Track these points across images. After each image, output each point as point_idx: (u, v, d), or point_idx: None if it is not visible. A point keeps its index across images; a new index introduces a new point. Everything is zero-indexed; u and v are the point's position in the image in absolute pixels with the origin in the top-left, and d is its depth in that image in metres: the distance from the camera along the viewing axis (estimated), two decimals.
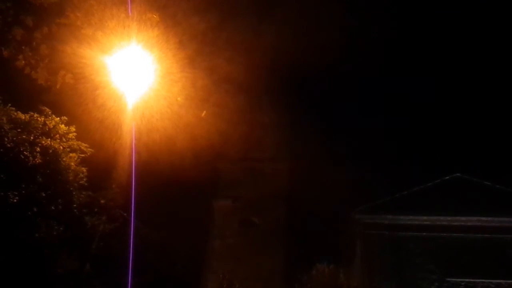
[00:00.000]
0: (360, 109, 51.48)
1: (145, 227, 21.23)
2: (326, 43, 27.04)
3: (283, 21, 28.09)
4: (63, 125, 15.91)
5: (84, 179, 16.31)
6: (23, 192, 14.12)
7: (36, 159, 14.66)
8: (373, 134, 37.50)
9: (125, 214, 17.96)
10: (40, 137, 15.20)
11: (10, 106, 14.98)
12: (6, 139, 14.29)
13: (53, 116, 15.77)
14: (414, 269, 20.86)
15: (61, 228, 14.93)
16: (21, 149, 14.49)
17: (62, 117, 15.98)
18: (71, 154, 15.97)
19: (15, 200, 13.79)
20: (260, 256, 27.05)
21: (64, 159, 15.58)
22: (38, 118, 15.41)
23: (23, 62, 7.68)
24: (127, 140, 15.04)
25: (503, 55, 47.99)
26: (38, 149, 14.86)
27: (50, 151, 15.24)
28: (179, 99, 12.13)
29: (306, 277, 20.46)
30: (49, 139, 15.35)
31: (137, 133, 14.59)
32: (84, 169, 16.33)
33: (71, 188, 15.74)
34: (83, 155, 16.47)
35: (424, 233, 21.45)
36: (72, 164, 15.87)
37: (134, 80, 10.65)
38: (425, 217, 21.67)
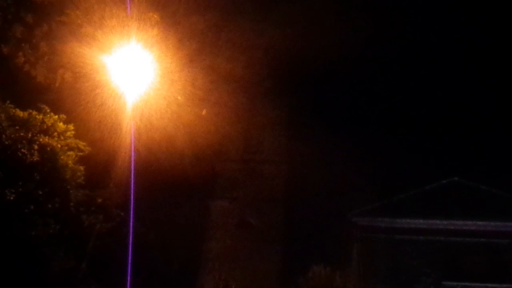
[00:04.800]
0: (359, 112, 51.53)
1: (142, 226, 21.19)
2: (326, 44, 27.05)
3: (283, 21, 28.07)
4: (61, 123, 15.89)
5: (82, 178, 16.29)
6: (20, 189, 14.11)
7: (33, 157, 14.64)
8: (371, 137, 37.52)
9: (122, 214, 17.92)
10: (38, 135, 15.18)
11: (8, 103, 14.96)
12: (4, 136, 14.27)
13: (52, 114, 15.76)
14: (410, 272, 20.90)
15: (57, 227, 14.91)
16: (19, 147, 14.47)
17: (61, 115, 15.96)
18: (68, 153, 15.95)
19: (12, 198, 13.77)
20: (257, 257, 27.03)
21: (62, 157, 15.56)
22: (37, 116, 15.38)
23: (23, 59, 7.68)
24: (126, 139, 15.02)
25: (502, 57, 48.09)
26: (36, 147, 14.83)
27: (48, 149, 15.22)
28: (179, 98, 12.14)
29: (303, 279, 20.48)
30: (47, 137, 15.33)
31: (136, 132, 14.59)
32: (81, 168, 16.31)
33: (68, 187, 15.71)
34: (81, 154, 16.45)
35: (421, 237, 21.49)
36: (70, 162, 15.85)
37: (134, 79, 10.65)
38: (421, 221, 21.72)
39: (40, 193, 14.66)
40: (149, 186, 20.13)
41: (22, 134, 14.72)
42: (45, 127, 15.50)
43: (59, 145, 15.57)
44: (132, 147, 15.36)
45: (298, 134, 30.96)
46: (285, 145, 30.97)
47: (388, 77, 52.09)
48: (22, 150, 14.48)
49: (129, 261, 15.74)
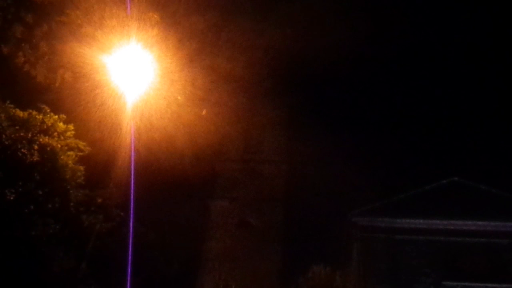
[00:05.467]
0: (359, 112, 51.52)
1: (142, 226, 21.20)
2: (326, 44, 27.05)
3: (283, 21, 28.07)
4: (61, 123, 15.91)
5: (82, 178, 16.31)
6: (20, 189, 14.12)
7: (33, 157, 14.65)
8: (371, 137, 37.52)
9: (122, 214, 17.93)
10: (38, 135, 15.20)
11: (8, 103, 14.97)
12: (4, 136, 14.29)
13: (52, 114, 15.77)
14: (410, 272, 20.90)
15: (57, 226, 14.92)
16: (19, 147, 14.49)
17: (61, 115, 15.98)
18: (68, 153, 15.97)
19: (12, 198, 13.79)
20: (257, 257, 27.05)
21: (62, 157, 15.58)
22: (37, 116, 15.40)
23: (23, 59, 7.67)
24: (126, 139, 15.02)
25: (502, 57, 48.07)
26: (36, 147, 14.85)
27: (48, 149, 15.23)
28: (179, 98, 12.15)
29: (303, 279, 20.50)
30: (47, 137, 15.35)
31: (136, 132, 14.59)
32: (81, 168, 16.34)
33: (68, 187, 15.73)
34: (81, 154, 16.47)
35: (421, 237, 21.49)
36: (70, 162, 15.87)
37: (134, 79, 10.65)
38: (421, 221, 21.72)
39: (40, 193, 14.67)
40: (149, 186, 20.13)
41: (22, 134, 14.74)
42: (45, 127, 15.51)
43: (59, 145, 15.59)
44: (132, 147, 15.36)
45: (298, 134, 30.96)
46: (285, 145, 30.98)
47: (388, 77, 52.12)
48: (22, 150, 14.49)
49: (129, 261, 15.74)
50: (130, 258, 15.80)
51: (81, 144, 16.48)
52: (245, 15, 25.47)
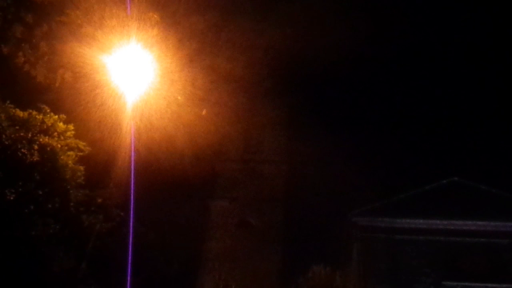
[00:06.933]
0: (359, 112, 51.53)
1: (142, 226, 21.20)
2: (326, 44, 27.05)
3: (283, 21, 28.06)
4: (61, 123, 15.92)
5: (82, 178, 16.31)
6: (20, 189, 14.13)
7: (33, 157, 14.65)
8: (371, 137, 37.53)
9: (122, 214, 17.93)
10: (38, 135, 15.20)
11: (8, 103, 14.97)
12: (4, 136, 14.29)
13: (52, 114, 15.78)
14: (410, 272, 20.91)
15: (57, 226, 14.93)
16: (19, 147, 14.49)
17: (61, 115, 15.99)
18: (68, 153, 15.98)
19: (12, 198, 13.79)
20: (257, 257, 27.05)
21: (62, 157, 15.59)
22: (37, 116, 15.40)
23: (23, 59, 7.67)
24: (126, 139, 15.02)
25: (502, 57, 48.06)
26: (36, 147, 14.85)
27: (48, 149, 15.24)
28: (179, 98, 12.15)
29: (303, 279, 20.48)
30: (47, 137, 15.35)
31: (136, 132, 14.59)
32: (81, 168, 16.34)
33: (68, 187, 15.73)
34: (81, 154, 16.48)
35: (421, 237, 21.49)
36: (70, 162, 15.88)
37: (134, 79, 10.65)
38: (421, 221, 21.72)
39: (40, 193, 14.67)
40: (149, 186, 20.13)
41: (22, 134, 14.74)
42: (45, 127, 15.52)
43: (59, 145, 15.59)
44: (132, 147, 15.36)
45: (298, 134, 30.97)
46: (285, 145, 30.98)
47: (388, 77, 52.12)
48: (22, 150, 14.49)
49: (129, 261, 15.74)
50: (130, 258, 15.80)
51: (81, 144, 16.48)
52: (245, 15, 25.46)
